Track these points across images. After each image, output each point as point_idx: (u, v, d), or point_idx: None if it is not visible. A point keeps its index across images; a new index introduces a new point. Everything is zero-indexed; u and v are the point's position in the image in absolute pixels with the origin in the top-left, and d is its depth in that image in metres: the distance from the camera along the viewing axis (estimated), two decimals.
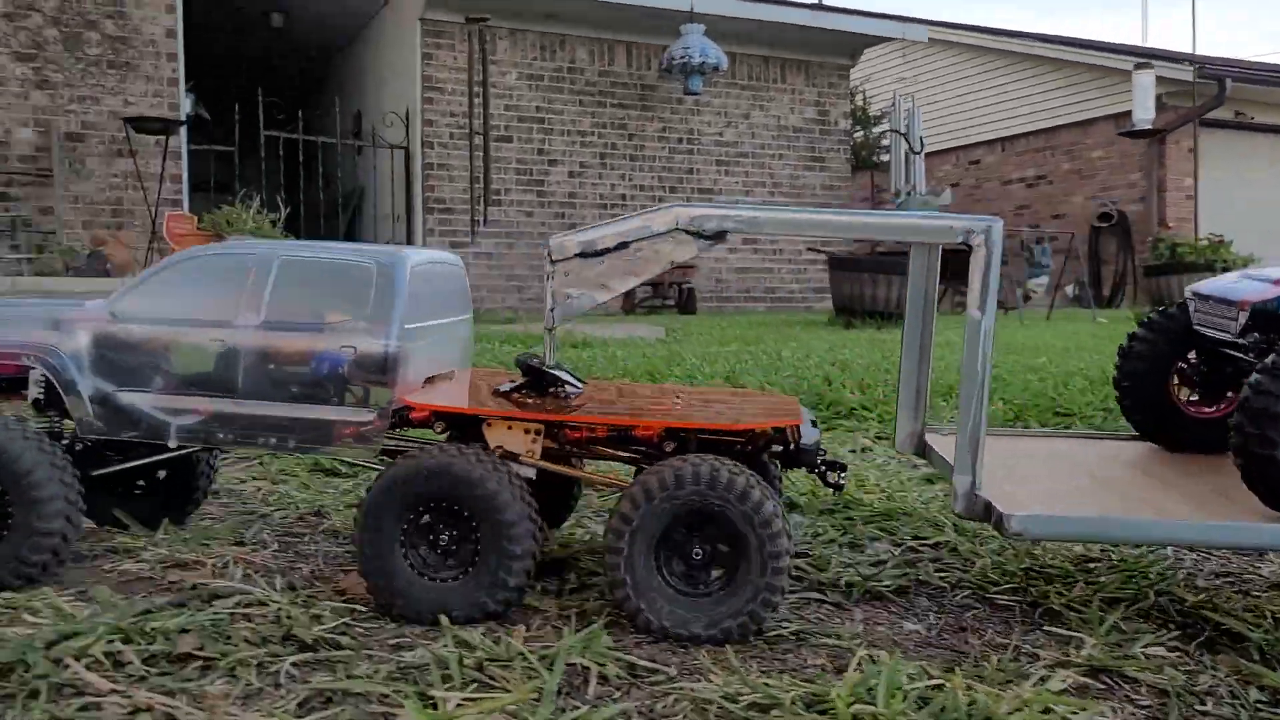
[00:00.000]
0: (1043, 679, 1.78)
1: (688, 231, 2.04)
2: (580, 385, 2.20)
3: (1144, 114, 14.13)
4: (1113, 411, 3.99)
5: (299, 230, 11.02)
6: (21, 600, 1.97)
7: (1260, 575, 2.49)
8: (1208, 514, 2.05)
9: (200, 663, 1.72)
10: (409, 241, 12.12)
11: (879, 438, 3.97)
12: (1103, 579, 2.38)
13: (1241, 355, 2.45)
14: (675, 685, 1.72)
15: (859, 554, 2.54)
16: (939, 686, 1.70)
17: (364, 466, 3.10)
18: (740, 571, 1.92)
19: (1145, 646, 1.96)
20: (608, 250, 2.04)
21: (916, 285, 2.41)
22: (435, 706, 1.59)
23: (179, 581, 2.14)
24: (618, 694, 1.70)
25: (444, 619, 1.90)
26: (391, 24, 12.78)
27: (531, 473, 2.07)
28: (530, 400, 2.14)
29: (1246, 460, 2.00)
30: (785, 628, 2.00)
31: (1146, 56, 14.92)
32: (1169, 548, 2.58)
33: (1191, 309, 2.57)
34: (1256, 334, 2.33)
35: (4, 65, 9.78)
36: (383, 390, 2.07)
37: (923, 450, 2.45)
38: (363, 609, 2.00)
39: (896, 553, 2.55)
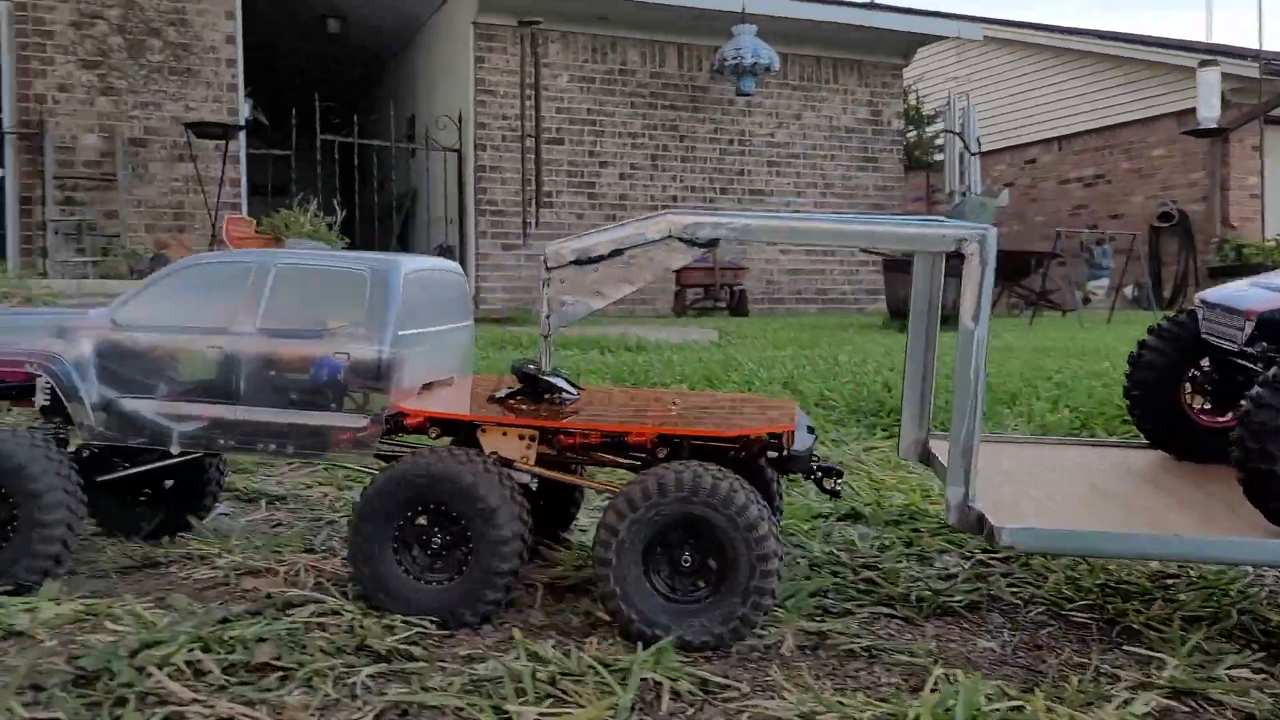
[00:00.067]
0: (1125, 702, 1.74)
1: (681, 239, 2.05)
2: (576, 391, 2.23)
3: (1209, 112, 13.80)
4: None
5: (354, 233, 11.16)
6: (102, 607, 2.00)
7: None
8: (1210, 528, 2.01)
9: (278, 673, 1.74)
10: (462, 243, 12.21)
11: None
12: (1181, 596, 2.33)
13: (1250, 365, 2.39)
14: (749, 703, 1.70)
15: (928, 567, 2.51)
16: (1019, 708, 1.67)
17: None
18: (729, 576, 1.92)
19: (1229, 668, 1.90)
20: (602, 258, 2.06)
21: (920, 291, 2.38)
22: None
23: (253, 589, 2.16)
24: (690, 710, 1.69)
25: (517, 632, 1.90)
26: (444, 28, 12.89)
27: (526, 478, 2.09)
28: (525, 406, 2.16)
29: (1248, 474, 1.96)
30: (857, 643, 1.97)
31: (1211, 53, 14.58)
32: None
33: (1200, 317, 2.51)
34: (1265, 343, 2.28)
35: (71, 73, 10.01)
36: (377, 396, 2.10)
37: (927, 458, 2.41)
38: (433, 619, 2.01)
39: (966, 566, 2.51)
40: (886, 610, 2.20)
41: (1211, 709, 1.76)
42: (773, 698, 1.72)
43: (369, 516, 2.00)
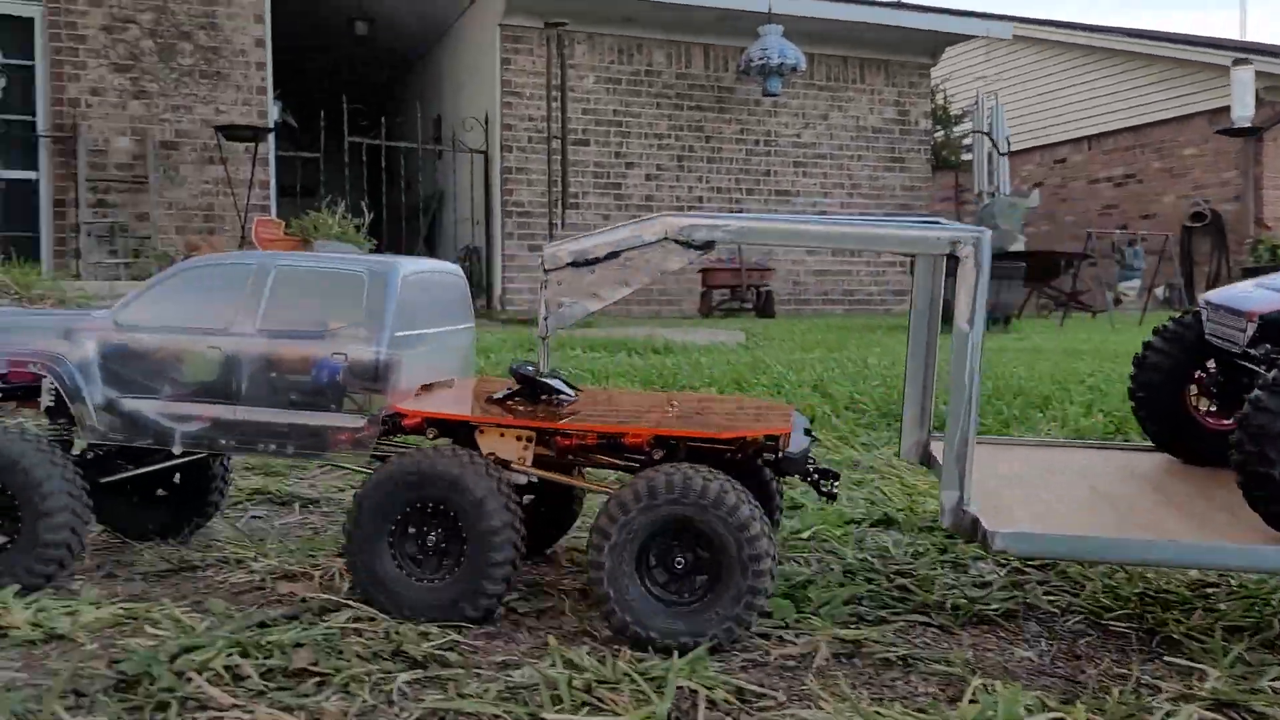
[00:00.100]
0: (1168, 714, 1.71)
1: (677, 241, 2.05)
2: (573, 393, 2.25)
3: (1243, 110, 13.65)
4: None
5: (381, 235, 11.23)
6: (141, 611, 2.02)
7: None
8: (1209, 532, 1.99)
9: (315, 678, 1.74)
10: (488, 245, 12.26)
11: None
12: (1222, 606, 2.30)
13: (1254, 366, 2.35)
14: (785, 712, 1.69)
15: (962, 574, 2.49)
16: None
17: None
18: (723, 577, 1.92)
19: (1273, 680, 1.87)
20: (599, 260, 2.06)
21: (921, 292, 2.37)
22: None
23: (289, 594, 2.18)
24: (727, 719, 1.68)
25: (552, 640, 1.90)
26: (471, 30, 12.94)
27: (523, 479, 2.10)
28: (522, 407, 2.17)
29: (1247, 479, 1.93)
30: (893, 652, 1.96)
31: (1244, 51, 14.41)
32: None
33: (1204, 318, 2.48)
34: (1268, 345, 2.25)
35: (104, 77, 10.13)
36: (374, 396, 2.11)
37: (928, 460, 2.40)
38: (469, 626, 2.01)
39: (1001, 574, 2.49)
40: (922, 618, 2.18)
41: None
42: (809, 707, 1.71)
43: (363, 516, 2.02)
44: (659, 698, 1.69)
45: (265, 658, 1.79)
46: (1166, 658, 2.00)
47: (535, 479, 2.13)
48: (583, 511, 2.62)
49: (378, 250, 9.95)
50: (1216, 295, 2.47)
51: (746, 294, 12.09)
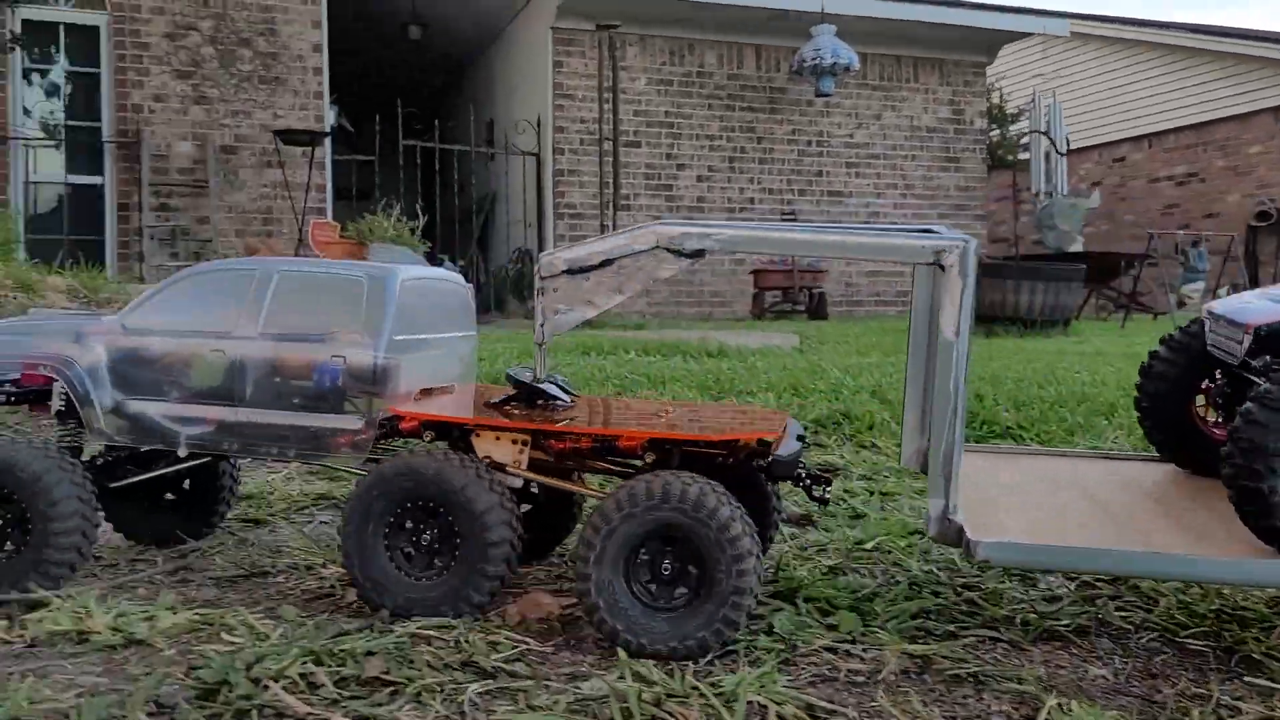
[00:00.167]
0: None
1: (669, 249, 2.07)
2: (569, 399, 2.28)
3: None
4: None
5: (435, 237, 11.33)
6: (216, 616, 2.06)
7: None
8: (1202, 545, 1.95)
9: (388, 688, 1.76)
10: (541, 246, 12.31)
11: None
12: None
13: (1253, 377, 2.30)
14: None
15: (1031, 588, 2.45)
16: None
17: None
18: (708, 579, 1.93)
19: None
20: (593, 267, 2.09)
21: (921, 299, 2.34)
22: None
23: (357, 601, 2.20)
24: None
25: (622, 652, 1.91)
26: (523, 33, 13.01)
27: (518, 482, 2.13)
28: (518, 412, 2.20)
29: (1238, 492, 1.90)
30: (963, 668, 1.93)
31: None
32: None
33: (1207, 328, 2.44)
34: (1268, 356, 2.20)
35: (166, 83, 10.34)
36: (372, 400, 2.14)
37: (926, 467, 2.37)
38: (536, 637, 2.02)
39: (1071, 588, 2.45)
40: (991, 633, 2.15)
41: None
42: None
43: (356, 515, 2.06)
44: (729, 713, 1.68)
45: (338, 666, 1.81)
46: (1246, 678, 1.95)
47: (533, 485, 2.16)
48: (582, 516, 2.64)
49: (431, 254, 10.05)
50: (1218, 305, 2.44)
51: (799, 296, 12.01)
